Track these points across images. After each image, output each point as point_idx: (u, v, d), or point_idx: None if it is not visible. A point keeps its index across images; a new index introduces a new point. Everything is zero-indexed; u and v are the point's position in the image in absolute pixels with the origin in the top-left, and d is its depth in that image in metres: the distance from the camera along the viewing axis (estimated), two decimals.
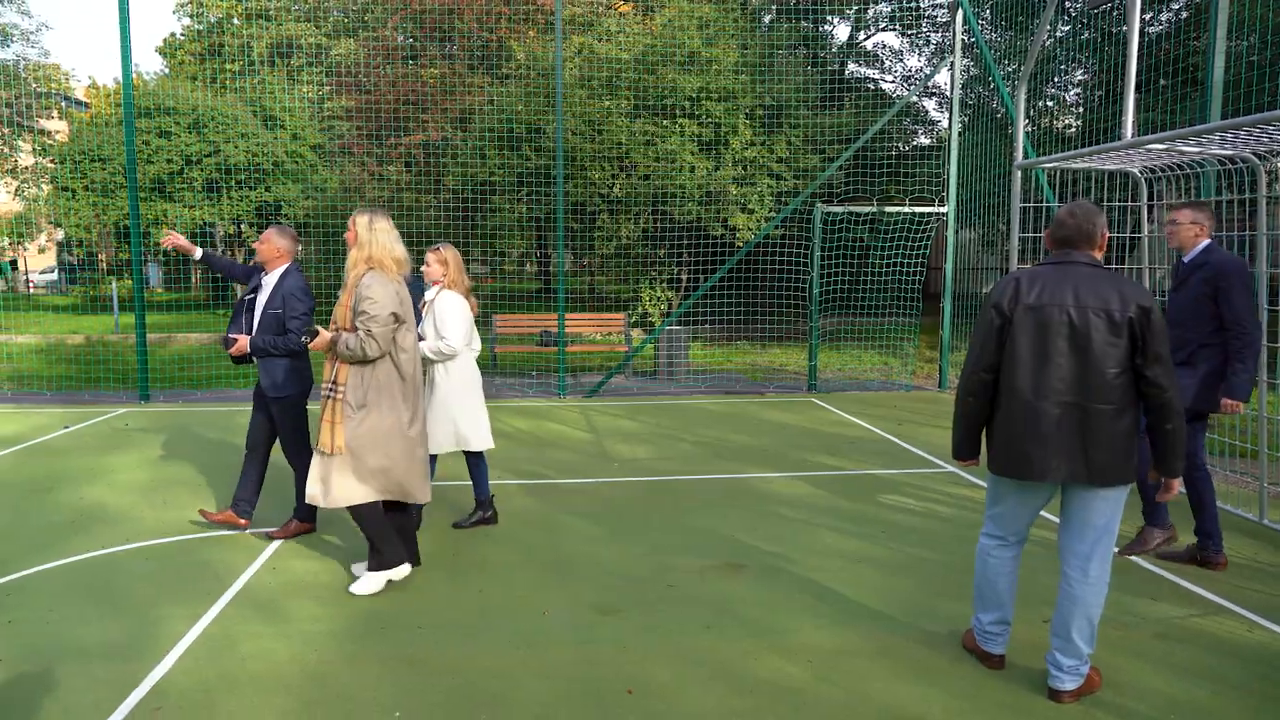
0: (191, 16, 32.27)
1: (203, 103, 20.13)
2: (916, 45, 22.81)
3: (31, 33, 22.19)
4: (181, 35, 32.52)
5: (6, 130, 22.88)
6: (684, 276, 15.42)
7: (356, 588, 4.38)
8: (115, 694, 3.39)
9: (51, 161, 22.07)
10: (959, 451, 3.49)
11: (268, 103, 20.98)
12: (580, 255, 16.02)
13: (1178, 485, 3.30)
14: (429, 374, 5.08)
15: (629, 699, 3.37)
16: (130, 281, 20.97)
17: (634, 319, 14.74)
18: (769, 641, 3.86)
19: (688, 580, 4.59)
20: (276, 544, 5.14)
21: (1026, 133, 8.61)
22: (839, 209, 11.24)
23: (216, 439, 8.13)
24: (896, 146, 19.39)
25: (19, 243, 37.10)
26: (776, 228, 12.74)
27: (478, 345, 5.42)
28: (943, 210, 10.90)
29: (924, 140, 21.23)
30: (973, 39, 11.12)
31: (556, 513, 5.80)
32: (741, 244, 13.66)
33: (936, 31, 21.37)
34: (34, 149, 23.43)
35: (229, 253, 20.22)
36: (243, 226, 20.01)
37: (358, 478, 4.22)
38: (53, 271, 37.32)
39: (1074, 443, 3.17)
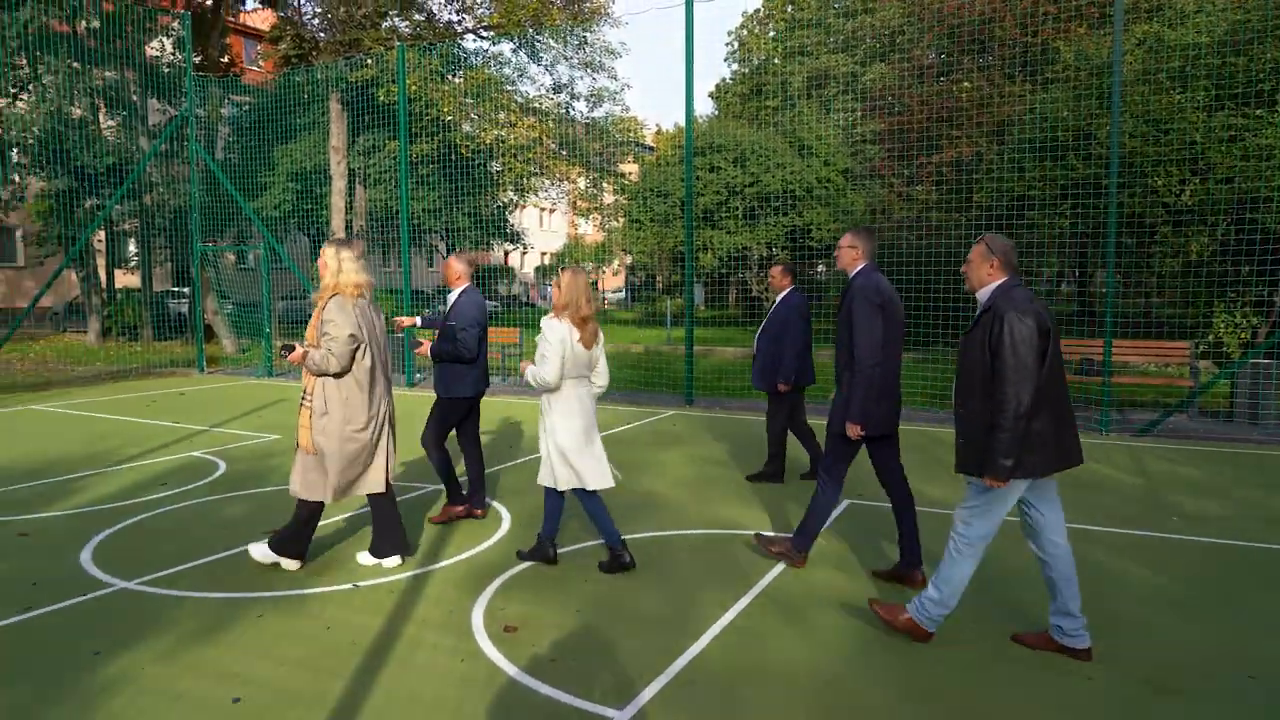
0: (739, 62, 35.86)
1: (745, 138, 22.14)
2: None
3: (616, 93, 26.79)
4: (730, 79, 36.31)
5: (595, 174, 27.73)
6: (1277, 299, 12.62)
7: (254, 549, 4.93)
8: (660, 660, 3.77)
9: (626, 198, 26.20)
10: (1011, 473, 3.61)
11: (802, 133, 22.30)
12: (1131, 274, 14.07)
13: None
14: (541, 402, 4.87)
15: None
16: (681, 300, 23.80)
17: (1202, 348, 12.45)
18: None
19: (1277, 675, 3.66)
20: None
21: None
22: None
23: (748, 444, 8.77)
24: None
25: (599, 266, 44.77)
26: None
27: (601, 380, 4.92)
28: None
29: None
30: None
31: (1099, 564, 5.08)
32: None
33: None
34: (613, 189, 28.01)
35: (760, 273, 21.92)
36: (774, 249, 21.53)
37: (319, 476, 4.73)
38: (621, 291, 44.48)
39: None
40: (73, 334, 24.52)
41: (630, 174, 28.81)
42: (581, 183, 27.95)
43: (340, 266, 4.74)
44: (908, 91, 17.29)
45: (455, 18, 22.66)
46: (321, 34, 20.64)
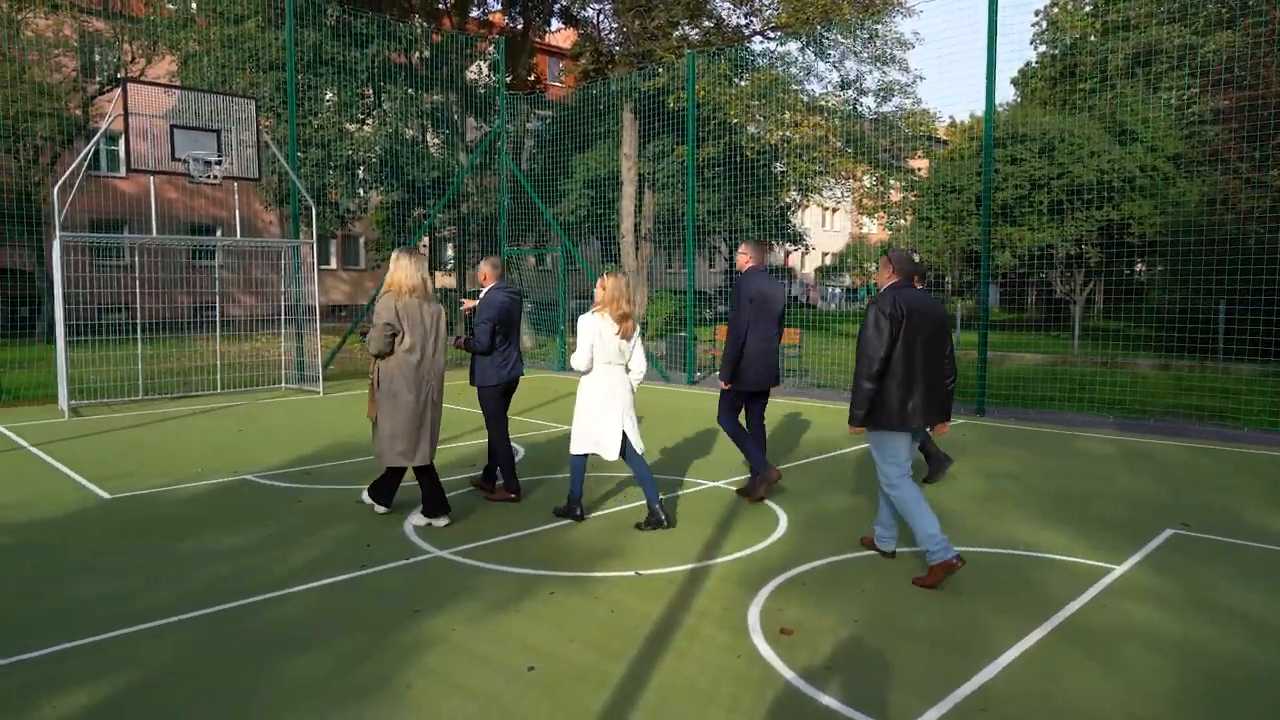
0: (1047, 43, 32.93)
1: (1054, 126, 20.30)
2: None
3: (907, 85, 25.23)
4: (1036, 63, 33.45)
5: (882, 171, 26.73)
6: None
7: (365, 493, 6.12)
8: (945, 683, 3.54)
9: (915, 195, 25.03)
10: (861, 421, 4.75)
11: (1122, 116, 20.04)
12: None
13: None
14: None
15: None
16: (972, 302, 22.35)
17: None
18: None
19: None
20: (1108, 580, 4.76)
21: None
22: None
23: (1047, 458, 8.03)
24: None
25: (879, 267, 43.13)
26: None
27: (637, 367, 5.69)
28: None
29: None
30: None
31: None
32: None
33: None
34: (901, 186, 26.85)
35: (1066, 272, 19.98)
36: (1084, 246, 19.52)
37: (384, 442, 5.51)
38: None
39: (934, 399, 4.77)
40: None
41: (919, 169, 27.50)
42: (867, 180, 27.10)
43: (395, 270, 5.54)
44: (1263, 60, 14.87)
45: (743, 21, 22.91)
46: (617, 48, 21.79)
